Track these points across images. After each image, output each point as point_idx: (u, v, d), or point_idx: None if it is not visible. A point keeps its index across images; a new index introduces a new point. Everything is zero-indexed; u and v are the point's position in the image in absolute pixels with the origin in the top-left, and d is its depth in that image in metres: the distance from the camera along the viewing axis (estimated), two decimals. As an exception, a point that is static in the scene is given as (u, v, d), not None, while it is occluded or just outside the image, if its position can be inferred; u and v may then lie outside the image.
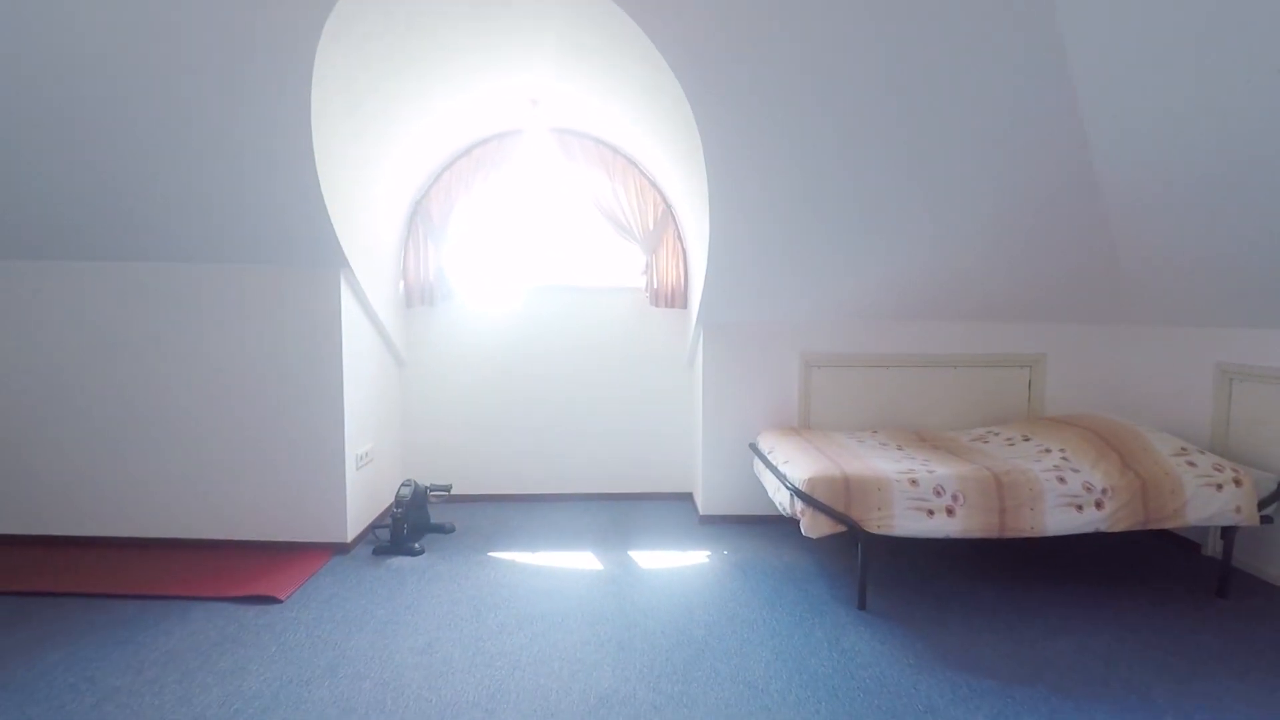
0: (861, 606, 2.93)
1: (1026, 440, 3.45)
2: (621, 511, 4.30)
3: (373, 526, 3.89)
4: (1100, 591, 3.08)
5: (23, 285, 3.53)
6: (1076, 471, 2.96)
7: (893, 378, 4.09)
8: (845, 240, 3.49)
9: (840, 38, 2.64)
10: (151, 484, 3.59)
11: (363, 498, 3.78)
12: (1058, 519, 2.85)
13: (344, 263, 3.41)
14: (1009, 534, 2.85)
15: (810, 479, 2.89)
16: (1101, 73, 2.62)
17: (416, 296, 4.34)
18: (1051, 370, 4.08)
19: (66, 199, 3.16)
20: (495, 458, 4.52)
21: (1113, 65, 2.57)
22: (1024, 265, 3.60)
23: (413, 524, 3.67)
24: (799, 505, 2.92)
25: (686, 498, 4.56)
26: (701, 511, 4.14)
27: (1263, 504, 2.89)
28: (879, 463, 3.10)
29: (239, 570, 3.30)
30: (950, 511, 2.83)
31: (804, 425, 4.08)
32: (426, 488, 3.85)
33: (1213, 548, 3.43)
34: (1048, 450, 3.24)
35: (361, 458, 3.75)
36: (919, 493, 2.84)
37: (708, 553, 3.61)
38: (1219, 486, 2.86)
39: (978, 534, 2.83)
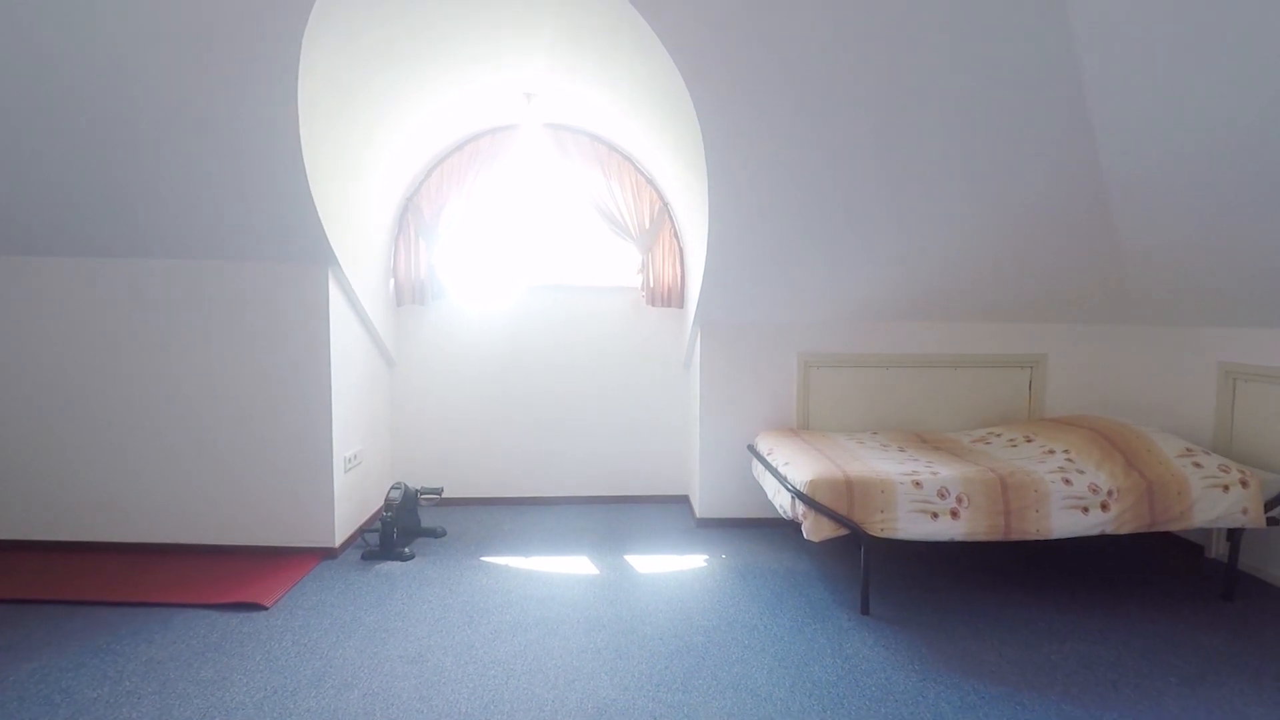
0: (864, 611, 2.87)
1: (1029, 441, 3.40)
2: (617, 515, 4.22)
3: (361, 531, 3.79)
4: (1104, 595, 3.03)
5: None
6: (1082, 473, 2.91)
7: (892, 378, 4.04)
8: (845, 238, 3.43)
9: (842, 34, 2.58)
10: (132, 487, 3.48)
11: (351, 501, 3.69)
12: (1063, 521, 2.80)
13: (332, 259, 3.31)
14: (1014, 536, 2.79)
15: (812, 481, 2.83)
16: (1110, 69, 2.57)
17: (407, 295, 4.25)
18: (1053, 370, 4.04)
19: (42, 193, 3.05)
20: (488, 460, 4.43)
21: (1121, 62, 2.53)
22: (1026, 264, 3.56)
23: (403, 528, 3.58)
24: (800, 508, 2.85)
25: (683, 500, 4.49)
26: (698, 514, 4.07)
27: (1269, 505, 2.85)
28: (881, 464, 3.04)
29: (223, 576, 3.19)
30: (955, 514, 2.78)
31: (803, 426, 4.02)
32: (417, 491, 3.76)
33: (1216, 550, 3.39)
34: (1051, 451, 3.19)
35: (350, 460, 3.65)
36: (923, 495, 2.78)
37: (705, 557, 3.53)
38: (1225, 488, 2.82)
39: (983, 537, 2.78)
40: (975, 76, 2.71)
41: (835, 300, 3.82)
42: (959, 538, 2.77)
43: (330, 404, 3.41)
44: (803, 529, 2.83)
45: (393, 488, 3.56)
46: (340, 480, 3.53)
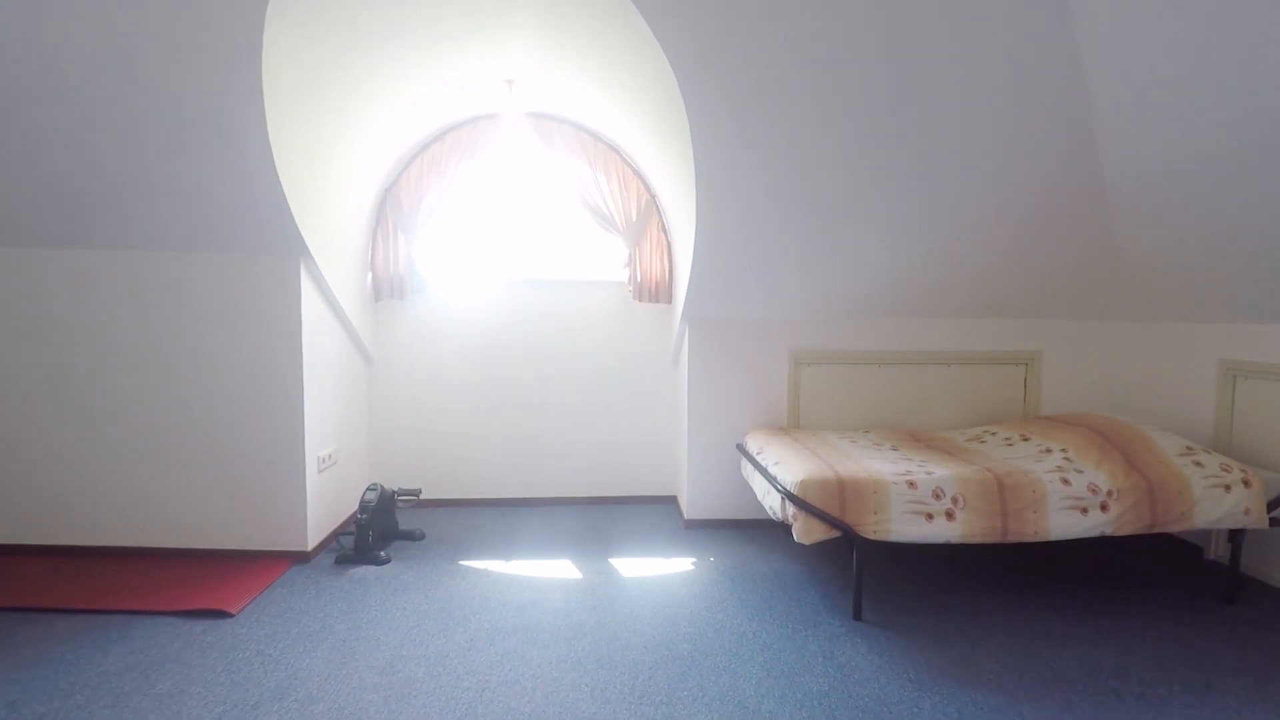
0: (857, 616, 2.77)
1: (1025, 440, 3.31)
2: (601, 516, 4.10)
3: (336, 534, 3.65)
4: (1102, 598, 2.94)
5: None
6: (1080, 473, 2.82)
7: (885, 375, 3.94)
8: (837, 233, 3.33)
9: (837, 19, 2.47)
10: (91, 487, 3.32)
11: (325, 503, 3.54)
12: (1062, 522, 2.71)
13: (304, 250, 3.17)
14: (1011, 538, 2.70)
15: (803, 481, 2.72)
16: (1111, 59, 2.48)
17: (386, 289, 4.11)
18: (1048, 368, 3.96)
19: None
20: (468, 460, 4.29)
21: (1123, 53, 2.44)
22: (1020, 258, 3.47)
23: (379, 531, 3.45)
24: (791, 509, 2.75)
25: (670, 501, 4.37)
26: (686, 516, 3.95)
27: (1271, 505, 2.77)
28: (874, 464, 2.94)
29: (188, 582, 3.05)
30: (950, 515, 2.68)
31: (793, 425, 3.91)
32: (394, 492, 3.63)
33: (1215, 551, 3.31)
34: (1048, 450, 3.10)
35: (324, 460, 3.51)
36: (918, 495, 2.68)
37: (693, 560, 3.42)
38: (1227, 488, 2.74)
39: (979, 539, 2.68)
40: (972, 70, 2.62)
41: (827, 296, 3.72)
42: (954, 540, 2.67)
43: (302, 401, 3.27)
44: (793, 531, 2.72)
45: (368, 489, 3.43)
46: (313, 481, 3.39)
